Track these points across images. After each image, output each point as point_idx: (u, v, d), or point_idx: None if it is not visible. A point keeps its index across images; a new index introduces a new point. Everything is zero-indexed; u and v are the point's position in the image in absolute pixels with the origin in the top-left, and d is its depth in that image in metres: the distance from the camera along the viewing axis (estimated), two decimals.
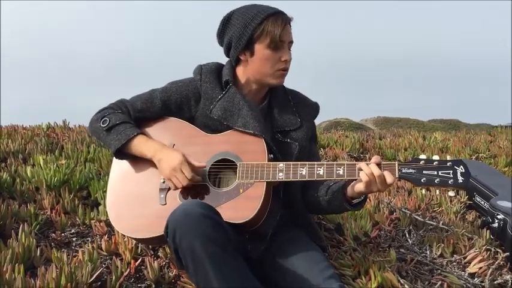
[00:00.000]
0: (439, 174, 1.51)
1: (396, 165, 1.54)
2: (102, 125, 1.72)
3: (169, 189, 1.68)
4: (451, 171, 1.50)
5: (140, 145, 1.70)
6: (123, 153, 1.72)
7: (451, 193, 1.55)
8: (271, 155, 1.67)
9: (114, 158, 1.78)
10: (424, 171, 1.52)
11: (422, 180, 1.51)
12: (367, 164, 1.54)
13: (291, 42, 1.72)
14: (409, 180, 1.53)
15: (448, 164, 1.52)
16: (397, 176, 1.53)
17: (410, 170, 1.53)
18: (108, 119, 1.72)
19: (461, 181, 1.49)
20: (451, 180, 1.49)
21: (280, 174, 1.60)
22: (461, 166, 1.51)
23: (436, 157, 1.55)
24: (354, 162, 1.60)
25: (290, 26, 1.72)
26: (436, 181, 1.50)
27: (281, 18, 1.68)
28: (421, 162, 1.54)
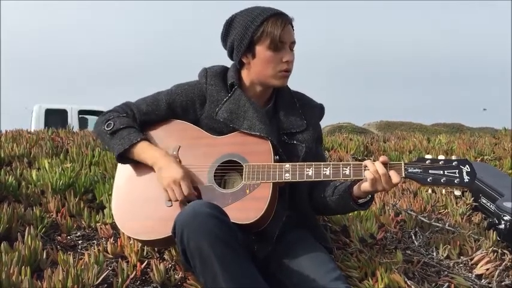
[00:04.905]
0: (445, 173, 1.51)
1: (402, 164, 1.54)
2: (106, 128, 1.73)
3: None
4: (457, 171, 1.50)
5: (143, 151, 1.70)
6: (125, 157, 1.73)
7: (457, 192, 1.55)
8: (277, 157, 1.67)
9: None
10: (430, 171, 1.52)
11: (428, 180, 1.51)
12: (373, 163, 1.54)
13: (293, 42, 1.73)
14: (415, 180, 1.53)
15: (453, 163, 1.52)
16: (403, 175, 1.53)
17: (416, 170, 1.53)
18: (112, 123, 1.73)
19: (467, 180, 1.49)
20: (457, 179, 1.49)
21: (287, 174, 1.60)
22: (467, 165, 1.51)
23: (441, 157, 1.55)
24: (360, 162, 1.59)
25: (292, 26, 1.73)
26: (442, 180, 1.50)
27: (281, 19, 1.68)
28: (426, 162, 1.54)
